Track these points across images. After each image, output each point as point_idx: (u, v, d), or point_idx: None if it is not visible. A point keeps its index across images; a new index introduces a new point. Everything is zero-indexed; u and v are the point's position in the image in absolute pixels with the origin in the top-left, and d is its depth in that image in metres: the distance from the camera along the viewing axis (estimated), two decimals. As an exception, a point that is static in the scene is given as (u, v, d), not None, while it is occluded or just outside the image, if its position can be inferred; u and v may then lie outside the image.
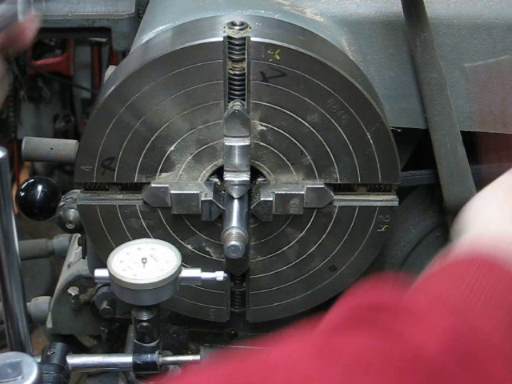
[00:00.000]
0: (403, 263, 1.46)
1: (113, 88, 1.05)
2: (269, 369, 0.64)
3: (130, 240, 1.09)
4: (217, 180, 1.12)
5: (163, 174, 1.11)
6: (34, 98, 3.58)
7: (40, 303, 1.69)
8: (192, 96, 1.05)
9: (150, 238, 1.13)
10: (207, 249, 1.17)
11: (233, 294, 1.23)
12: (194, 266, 1.14)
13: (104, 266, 1.01)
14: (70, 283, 1.55)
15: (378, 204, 1.13)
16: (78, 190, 1.14)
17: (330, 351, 0.65)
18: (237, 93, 1.05)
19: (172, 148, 1.09)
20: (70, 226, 1.23)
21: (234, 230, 1.04)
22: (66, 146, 1.35)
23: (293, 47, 1.02)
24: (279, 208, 1.11)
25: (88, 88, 3.53)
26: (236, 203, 1.08)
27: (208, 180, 1.12)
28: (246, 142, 1.04)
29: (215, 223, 1.14)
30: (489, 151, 1.19)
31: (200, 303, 1.22)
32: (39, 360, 1.03)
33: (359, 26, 1.18)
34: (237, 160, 1.05)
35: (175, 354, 1.12)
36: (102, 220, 1.13)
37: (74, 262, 1.60)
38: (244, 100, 1.05)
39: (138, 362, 1.07)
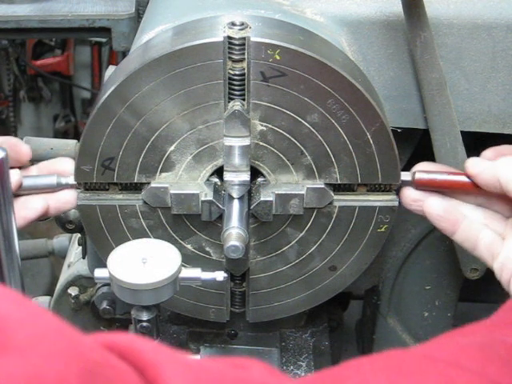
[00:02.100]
0: (403, 263, 1.46)
1: (113, 88, 1.05)
2: None
3: (130, 240, 1.09)
4: (217, 180, 1.12)
5: (163, 174, 1.11)
6: (33, 98, 3.59)
7: (40, 303, 1.69)
8: (192, 96, 1.05)
9: (150, 237, 1.13)
10: (207, 249, 1.17)
11: (233, 294, 1.23)
12: (193, 265, 1.15)
13: (104, 265, 1.01)
14: (70, 283, 1.55)
15: (378, 204, 1.13)
16: (78, 190, 1.13)
17: None
18: (237, 93, 1.05)
19: (172, 148, 1.09)
20: (70, 226, 1.23)
21: (234, 230, 1.04)
22: (66, 146, 1.35)
23: (293, 47, 1.02)
24: (279, 208, 1.11)
25: (88, 88, 3.54)
26: (236, 203, 1.08)
27: (208, 180, 1.12)
28: (246, 141, 1.05)
29: (215, 223, 1.14)
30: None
31: (200, 303, 1.22)
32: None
33: (359, 26, 1.18)
34: (237, 160, 1.05)
35: (175, 353, 1.12)
36: (102, 220, 1.13)
37: (74, 262, 1.60)
38: (244, 100, 1.05)
39: (138, 361, 1.07)
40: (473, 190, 1.09)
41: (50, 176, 1.13)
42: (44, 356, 0.48)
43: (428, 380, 0.69)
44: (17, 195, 1.10)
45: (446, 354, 0.74)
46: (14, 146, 1.13)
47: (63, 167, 1.14)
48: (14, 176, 1.08)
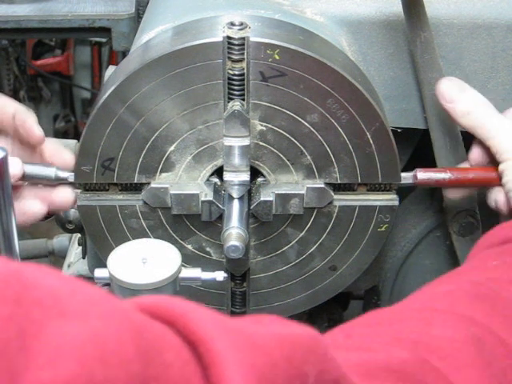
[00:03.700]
0: (403, 263, 1.46)
1: (113, 88, 1.05)
2: None
3: (130, 240, 1.09)
4: (217, 180, 1.12)
5: (163, 174, 1.11)
6: (34, 98, 3.59)
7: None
8: (192, 96, 1.05)
9: (150, 238, 1.13)
10: (207, 249, 1.17)
11: (233, 294, 1.23)
12: (194, 266, 1.14)
13: (104, 265, 1.01)
14: (70, 283, 1.54)
15: (378, 203, 1.13)
16: (78, 190, 1.13)
17: None
18: (236, 93, 1.05)
19: (172, 148, 1.09)
20: (70, 226, 1.23)
21: (234, 230, 1.04)
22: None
23: (292, 47, 1.02)
24: (279, 208, 1.11)
25: (88, 88, 3.54)
26: (236, 203, 1.08)
27: (208, 180, 1.12)
28: (246, 141, 1.05)
29: (215, 223, 1.14)
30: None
31: (200, 303, 1.22)
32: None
33: (359, 26, 1.18)
34: (237, 160, 1.05)
35: (175, 354, 1.11)
36: (102, 220, 1.13)
37: (74, 262, 1.60)
38: (243, 100, 1.05)
39: (138, 362, 1.07)
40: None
41: (49, 167, 1.12)
42: (100, 318, 0.51)
43: (405, 325, 0.72)
44: (15, 186, 1.09)
45: (419, 303, 0.79)
46: (28, 130, 1.10)
47: (63, 160, 1.13)
48: (17, 165, 1.07)
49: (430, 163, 1.23)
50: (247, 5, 1.15)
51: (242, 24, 1.02)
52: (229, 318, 0.61)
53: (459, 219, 1.30)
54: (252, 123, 1.06)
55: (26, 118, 1.11)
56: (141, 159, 1.10)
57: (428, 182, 1.12)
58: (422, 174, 1.12)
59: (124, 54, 2.36)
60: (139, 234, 1.14)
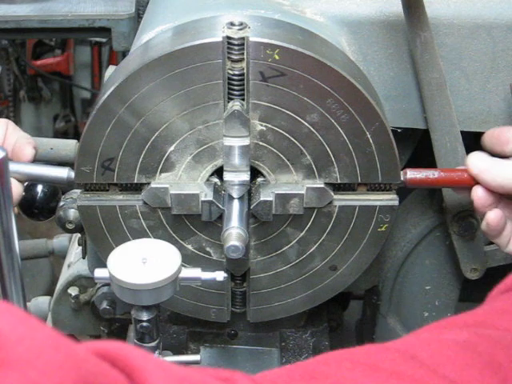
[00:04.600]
0: (403, 263, 1.46)
1: (113, 88, 1.05)
2: None
3: (130, 240, 1.09)
4: (217, 180, 1.12)
5: (163, 175, 1.11)
6: (34, 98, 3.59)
7: (40, 303, 1.69)
8: (191, 96, 1.05)
9: (150, 238, 1.13)
10: (207, 249, 1.17)
11: (233, 294, 1.23)
12: (194, 266, 1.14)
13: (104, 265, 1.01)
14: (70, 283, 1.55)
15: (378, 203, 1.13)
16: (78, 191, 1.13)
17: None
18: (236, 93, 1.05)
19: (172, 148, 1.09)
20: (70, 226, 1.22)
21: (234, 230, 1.04)
22: (66, 146, 1.35)
23: (292, 47, 1.02)
24: (279, 208, 1.11)
25: (88, 88, 3.54)
26: (236, 203, 1.08)
27: (208, 180, 1.12)
28: (246, 141, 1.05)
29: (215, 223, 1.14)
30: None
31: (200, 303, 1.22)
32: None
33: (359, 26, 1.18)
34: (236, 160, 1.05)
35: (175, 354, 1.12)
36: (102, 220, 1.13)
37: (74, 262, 1.60)
38: (243, 100, 1.05)
39: (138, 362, 1.07)
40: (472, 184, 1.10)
41: (61, 169, 1.12)
42: (41, 370, 0.51)
43: (401, 382, 0.69)
44: None
45: (426, 354, 0.74)
46: (18, 151, 1.11)
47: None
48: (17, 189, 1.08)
49: (430, 163, 1.23)
50: (247, 5, 1.15)
51: (241, 24, 1.02)
52: (178, 366, 0.64)
53: (459, 219, 1.30)
54: (252, 123, 1.06)
55: (20, 143, 1.12)
56: (141, 159, 1.10)
57: (416, 181, 1.11)
58: (411, 174, 1.11)
59: (124, 54, 2.36)
60: (139, 234, 1.14)
